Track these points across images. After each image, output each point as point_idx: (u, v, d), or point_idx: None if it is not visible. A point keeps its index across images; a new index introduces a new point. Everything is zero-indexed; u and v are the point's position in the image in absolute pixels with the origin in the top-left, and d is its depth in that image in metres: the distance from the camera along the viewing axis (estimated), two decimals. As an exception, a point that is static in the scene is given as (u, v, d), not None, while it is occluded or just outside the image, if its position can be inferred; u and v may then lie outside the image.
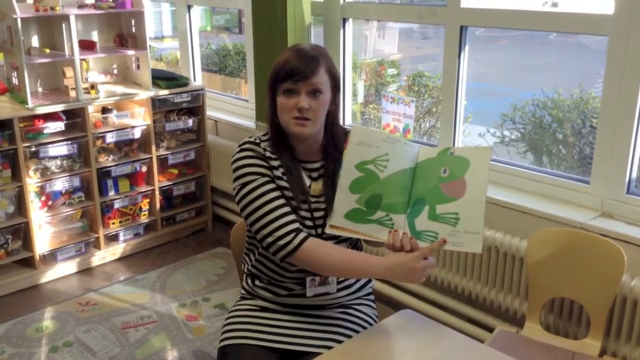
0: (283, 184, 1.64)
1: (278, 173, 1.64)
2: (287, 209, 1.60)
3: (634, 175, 2.17)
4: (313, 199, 1.67)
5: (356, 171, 1.55)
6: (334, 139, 1.69)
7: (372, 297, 1.85)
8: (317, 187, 1.68)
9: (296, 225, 1.58)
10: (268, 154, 1.65)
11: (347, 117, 3.26)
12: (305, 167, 1.69)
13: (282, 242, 1.56)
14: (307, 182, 1.68)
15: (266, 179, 1.62)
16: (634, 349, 2.04)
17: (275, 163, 1.65)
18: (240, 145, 1.68)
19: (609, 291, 1.94)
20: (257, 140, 1.68)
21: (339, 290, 1.72)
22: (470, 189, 1.47)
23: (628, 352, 2.06)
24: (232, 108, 3.91)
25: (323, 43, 3.17)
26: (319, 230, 1.66)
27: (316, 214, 1.66)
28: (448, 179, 1.50)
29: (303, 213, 1.64)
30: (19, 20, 2.95)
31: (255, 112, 3.39)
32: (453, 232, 1.47)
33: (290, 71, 1.56)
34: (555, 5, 2.97)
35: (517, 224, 2.32)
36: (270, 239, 1.57)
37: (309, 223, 1.65)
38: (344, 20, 3.09)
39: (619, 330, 2.07)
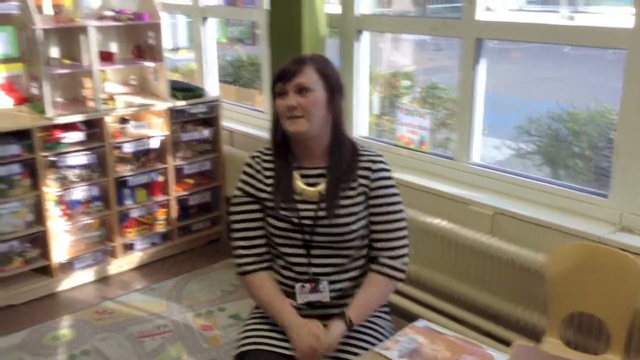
0: (264, 195, 1.72)
1: (263, 185, 1.74)
2: (248, 232, 1.75)
3: (653, 189, 2.16)
4: (303, 206, 1.70)
5: None
6: (339, 143, 1.72)
7: (387, 309, 1.87)
8: (312, 192, 1.70)
9: (246, 259, 1.76)
10: (265, 164, 1.76)
11: (364, 129, 3.26)
12: (303, 173, 1.74)
13: (235, 261, 1.78)
14: (301, 188, 1.72)
15: (248, 199, 1.75)
16: (654, 364, 2.03)
17: (268, 173, 1.75)
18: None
19: (629, 306, 1.93)
20: (263, 150, 1.80)
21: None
22: None
23: (648, 368, 2.04)
24: (248, 119, 3.94)
25: (338, 55, 3.19)
26: (307, 237, 1.69)
27: (305, 222, 1.69)
28: None
29: (288, 220, 1.70)
30: (39, 32, 3.00)
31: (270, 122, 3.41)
32: None
33: (279, 73, 1.68)
34: (572, 18, 2.98)
35: (534, 237, 2.32)
36: (233, 255, 1.78)
37: (298, 235, 1.71)
38: (359, 33, 3.11)
39: None
